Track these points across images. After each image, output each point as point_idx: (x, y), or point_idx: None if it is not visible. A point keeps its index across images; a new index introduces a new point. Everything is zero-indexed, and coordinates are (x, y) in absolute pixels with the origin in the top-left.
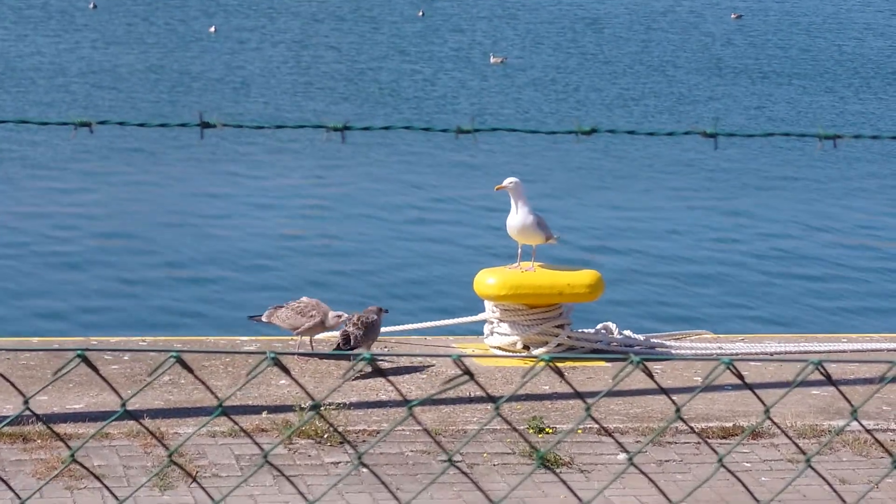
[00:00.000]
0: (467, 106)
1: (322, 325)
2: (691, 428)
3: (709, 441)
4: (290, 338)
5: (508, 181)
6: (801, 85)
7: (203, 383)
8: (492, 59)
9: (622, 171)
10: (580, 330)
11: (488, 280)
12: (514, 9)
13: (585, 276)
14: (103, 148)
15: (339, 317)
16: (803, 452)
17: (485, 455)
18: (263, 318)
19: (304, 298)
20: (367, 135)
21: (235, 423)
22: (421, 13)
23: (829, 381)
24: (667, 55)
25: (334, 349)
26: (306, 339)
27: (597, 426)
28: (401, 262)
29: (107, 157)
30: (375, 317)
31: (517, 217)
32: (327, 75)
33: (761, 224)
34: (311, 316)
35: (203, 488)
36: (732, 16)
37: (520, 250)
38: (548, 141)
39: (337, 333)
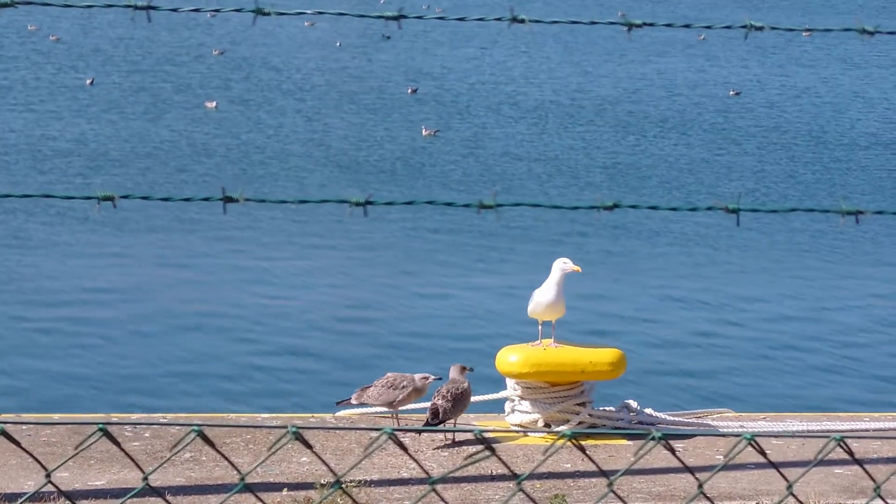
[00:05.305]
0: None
1: (416, 392)
2: None
3: None
4: (311, 414)
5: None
6: (797, 158)
7: (224, 457)
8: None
9: (639, 247)
10: (601, 408)
11: (510, 357)
12: (507, 83)
13: (608, 354)
14: (115, 221)
15: (426, 378)
16: None
17: None
18: (353, 401)
19: (389, 374)
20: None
21: (259, 499)
22: (409, 90)
23: (851, 457)
24: (667, 129)
25: (424, 425)
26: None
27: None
28: (420, 339)
29: (119, 232)
30: (466, 386)
31: (550, 293)
32: (309, 147)
33: (783, 301)
34: (404, 387)
35: None
36: (731, 93)
37: (540, 327)
38: (556, 215)
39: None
